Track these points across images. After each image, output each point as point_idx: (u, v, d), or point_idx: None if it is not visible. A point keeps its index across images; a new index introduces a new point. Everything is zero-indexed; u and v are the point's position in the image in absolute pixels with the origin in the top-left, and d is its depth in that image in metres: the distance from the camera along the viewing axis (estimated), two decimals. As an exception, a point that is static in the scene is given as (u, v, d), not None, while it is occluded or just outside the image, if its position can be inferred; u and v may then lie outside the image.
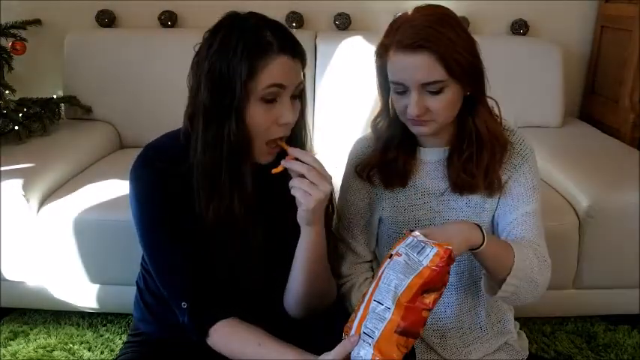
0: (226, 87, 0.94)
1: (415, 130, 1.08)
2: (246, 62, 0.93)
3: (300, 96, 1.03)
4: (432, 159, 1.16)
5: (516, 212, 1.14)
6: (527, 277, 1.06)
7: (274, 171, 0.99)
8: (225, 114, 0.95)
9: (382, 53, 1.05)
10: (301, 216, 0.98)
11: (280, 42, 0.96)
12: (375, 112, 1.19)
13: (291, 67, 0.97)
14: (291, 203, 0.98)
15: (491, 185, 1.12)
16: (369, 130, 1.21)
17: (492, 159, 1.11)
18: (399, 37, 1.01)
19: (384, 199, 1.18)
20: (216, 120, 0.96)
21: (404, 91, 1.03)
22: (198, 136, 0.98)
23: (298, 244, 1.02)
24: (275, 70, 0.95)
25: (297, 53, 0.99)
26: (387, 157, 1.14)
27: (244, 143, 0.97)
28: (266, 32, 0.96)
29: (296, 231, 1.02)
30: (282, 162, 0.98)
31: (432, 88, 1.01)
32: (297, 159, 0.97)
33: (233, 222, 1.00)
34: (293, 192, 0.96)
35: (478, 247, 1.00)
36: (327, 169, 0.98)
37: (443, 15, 1.03)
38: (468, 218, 1.15)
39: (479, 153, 1.10)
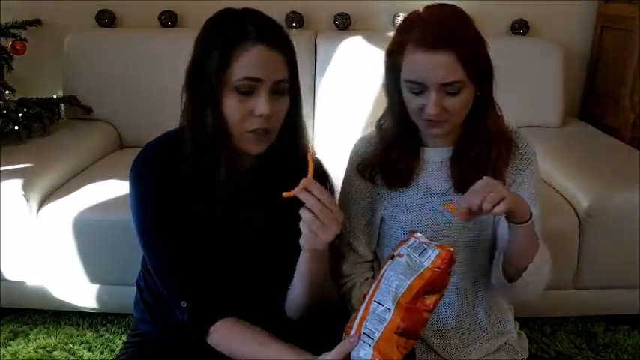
0: (202, 76, 0.95)
1: (429, 131, 1.08)
2: (218, 51, 0.93)
3: (290, 93, 1.01)
4: (435, 159, 1.16)
5: None
6: (540, 269, 1.08)
7: (285, 195, 0.92)
8: (203, 103, 0.96)
9: (397, 51, 1.04)
10: (304, 248, 0.97)
11: (259, 32, 0.95)
12: (375, 112, 1.19)
13: (268, 58, 0.95)
14: (292, 206, 0.97)
15: None
16: (370, 130, 1.20)
17: (499, 158, 1.11)
18: (419, 36, 1.00)
19: (387, 199, 1.18)
20: (195, 110, 0.97)
21: (420, 91, 1.02)
22: (187, 129, 0.99)
23: (299, 259, 1.01)
24: (250, 60, 0.94)
25: (276, 45, 0.96)
26: (389, 157, 1.14)
27: (220, 133, 0.97)
28: (247, 23, 0.95)
29: (295, 234, 1.01)
30: (296, 190, 0.91)
31: (450, 89, 1.01)
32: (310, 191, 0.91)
33: (217, 214, 1.00)
34: (301, 227, 0.93)
35: (527, 221, 1.01)
36: (337, 207, 0.94)
37: (458, 14, 1.03)
38: (470, 220, 1.14)
39: (487, 152, 1.10)
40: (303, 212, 0.91)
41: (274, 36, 0.97)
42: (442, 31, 0.99)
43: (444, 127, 1.06)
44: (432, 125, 1.06)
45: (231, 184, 1.00)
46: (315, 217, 0.90)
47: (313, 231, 0.91)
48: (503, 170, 1.13)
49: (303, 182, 0.91)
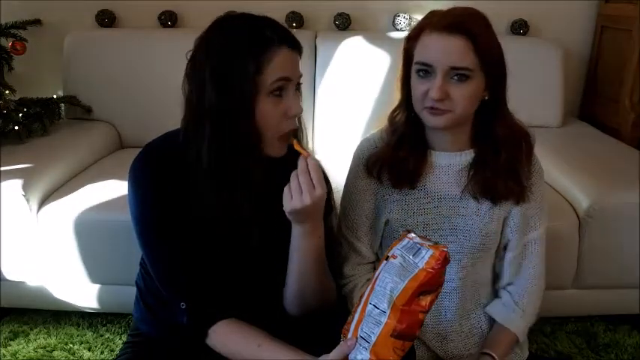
0: (233, 86, 0.94)
1: (430, 120, 1.06)
2: (252, 59, 0.94)
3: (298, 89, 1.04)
4: (442, 163, 1.15)
5: (526, 237, 1.16)
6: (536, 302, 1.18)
7: (294, 141, 1.01)
8: (234, 114, 0.95)
9: (415, 35, 1.06)
10: (285, 210, 0.98)
11: (279, 36, 0.97)
12: (376, 112, 1.19)
13: (293, 58, 1.00)
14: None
15: (512, 190, 1.13)
16: (372, 130, 1.20)
17: (516, 160, 1.12)
18: (438, 20, 1.02)
19: (392, 201, 1.17)
20: (225, 121, 0.96)
21: (428, 74, 1.03)
22: (205, 140, 0.97)
23: (291, 242, 1.03)
24: (279, 62, 0.96)
25: (295, 45, 1.01)
26: (398, 154, 1.13)
27: (255, 140, 0.98)
28: (264, 28, 0.97)
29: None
30: (302, 151, 0.99)
31: (458, 76, 1.01)
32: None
33: (239, 221, 1.00)
34: (285, 188, 0.97)
35: None
36: (322, 179, 0.97)
37: (480, 15, 1.07)
38: (475, 225, 1.15)
39: (508, 156, 1.11)
40: (292, 176, 0.96)
41: (290, 37, 1.00)
42: (460, 18, 1.02)
43: (446, 118, 1.05)
44: (434, 113, 1.04)
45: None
46: (297, 181, 0.95)
47: (290, 191, 0.95)
48: (522, 171, 1.13)
49: (308, 152, 0.98)
